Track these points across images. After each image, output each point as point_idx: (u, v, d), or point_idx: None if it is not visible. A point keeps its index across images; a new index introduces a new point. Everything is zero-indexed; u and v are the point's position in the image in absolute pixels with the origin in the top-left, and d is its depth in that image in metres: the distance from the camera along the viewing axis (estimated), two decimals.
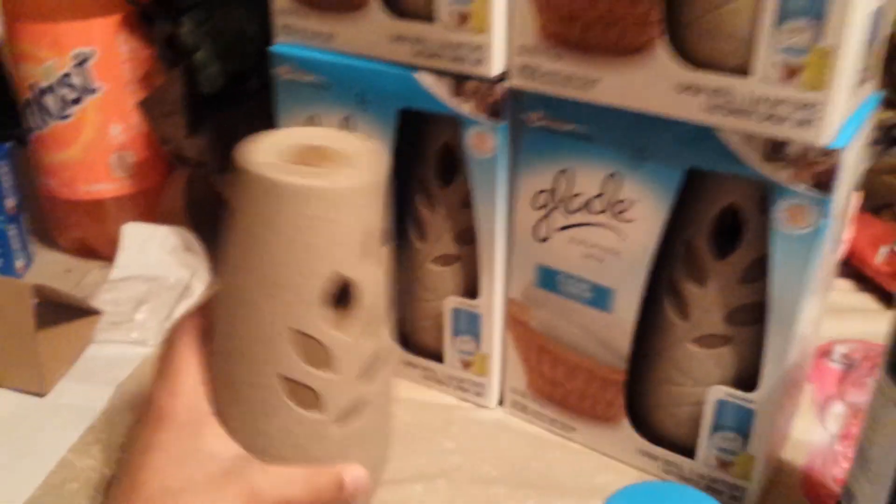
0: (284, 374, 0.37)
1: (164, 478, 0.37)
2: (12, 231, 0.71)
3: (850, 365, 0.59)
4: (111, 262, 0.72)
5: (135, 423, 0.54)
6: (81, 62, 0.66)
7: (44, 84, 0.66)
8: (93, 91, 0.67)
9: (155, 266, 0.70)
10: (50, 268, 0.74)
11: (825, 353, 0.60)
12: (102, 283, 0.70)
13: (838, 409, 0.55)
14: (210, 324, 0.40)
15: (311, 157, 0.37)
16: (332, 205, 0.35)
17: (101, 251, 0.74)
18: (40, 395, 0.57)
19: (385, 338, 0.41)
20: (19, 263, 0.72)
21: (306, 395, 0.38)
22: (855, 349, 0.60)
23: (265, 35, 0.54)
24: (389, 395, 0.43)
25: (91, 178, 0.70)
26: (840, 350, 0.60)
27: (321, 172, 0.36)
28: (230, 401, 0.39)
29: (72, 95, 0.67)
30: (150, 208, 0.73)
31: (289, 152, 0.37)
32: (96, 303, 0.65)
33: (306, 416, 0.38)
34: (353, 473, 0.39)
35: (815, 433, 0.53)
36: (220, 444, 0.38)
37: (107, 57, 0.66)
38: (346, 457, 0.40)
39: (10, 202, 0.71)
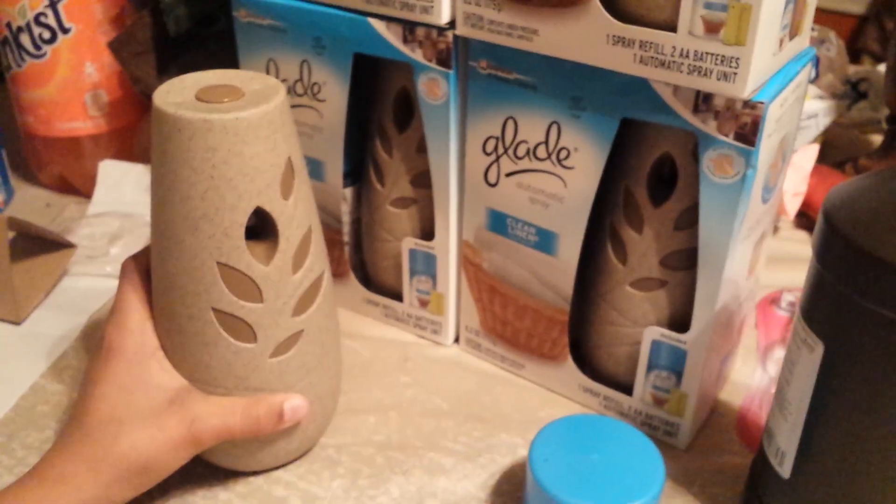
0: (216, 306, 0.40)
1: (112, 407, 0.39)
2: None
3: (795, 312, 0.61)
4: (89, 198, 0.74)
5: None
6: (54, 2, 0.67)
7: (19, 23, 0.67)
8: (66, 30, 0.68)
9: (130, 203, 0.72)
10: (30, 202, 0.76)
11: (773, 300, 0.62)
12: (80, 217, 0.72)
13: (780, 354, 0.57)
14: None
15: (220, 95, 0.38)
16: (234, 136, 0.37)
17: (79, 187, 0.76)
18: (15, 322, 0.60)
19: (319, 270, 0.43)
20: (0, 197, 0.74)
21: (240, 327, 0.40)
22: (805, 279, 0.62)
23: None
24: (332, 326, 0.45)
25: (67, 116, 0.72)
26: (788, 298, 0.62)
27: (224, 107, 0.37)
28: (172, 333, 0.41)
29: (46, 34, 0.68)
30: (126, 146, 0.75)
31: (200, 92, 0.39)
32: (73, 237, 0.67)
33: (242, 347, 0.40)
34: (293, 403, 0.42)
35: (755, 376, 0.56)
36: (165, 376, 0.41)
37: None
38: (286, 387, 0.42)
39: None
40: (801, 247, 0.70)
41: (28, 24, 0.67)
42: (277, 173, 0.39)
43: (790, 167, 0.67)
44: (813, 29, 0.76)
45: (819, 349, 0.37)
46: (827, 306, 0.37)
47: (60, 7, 0.67)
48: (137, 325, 0.41)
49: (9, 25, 0.68)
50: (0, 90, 0.74)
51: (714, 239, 0.43)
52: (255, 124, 0.37)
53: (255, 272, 0.40)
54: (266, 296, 0.40)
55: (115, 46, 0.65)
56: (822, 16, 0.76)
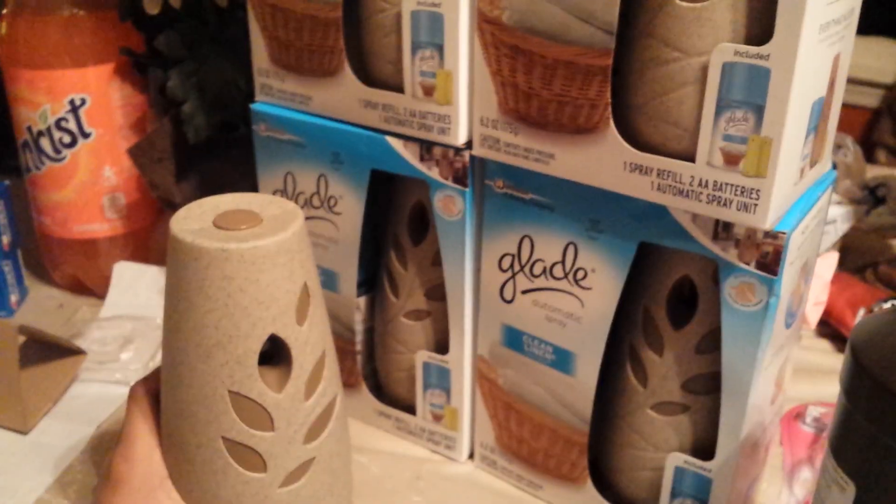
0: (226, 435, 0.39)
1: None
2: (7, 266, 0.73)
3: (821, 429, 0.59)
4: (103, 299, 0.74)
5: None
6: (76, 108, 0.68)
7: (39, 127, 0.68)
8: (86, 135, 0.69)
9: (143, 306, 0.72)
10: (44, 302, 0.76)
11: (798, 415, 0.61)
12: (92, 319, 0.72)
13: (806, 474, 0.55)
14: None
15: (237, 221, 0.38)
16: (251, 265, 0.37)
17: (93, 288, 0.75)
18: (23, 432, 0.59)
19: (332, 394, 0.42)
20: (13, 298, 0.74)
21: (250, 457, 0.39)
22: (827, 413, 0.60)
23: (253, 87, 0.56)
24: (343, 451, 0.44)
25: (84, 219, 0.72)
26: (813, 413, 0.60)
27: (241, 235, 0.37)
28: (181, 462, 0.40)
29: (66, 139, 0.69)
30: (141, 249, 0.75)
31: (217, 218, 0.39)
32: (85, 340, 0.67)
33: (252, 477, 0.39)
34: None
35: (782, 499, 0.54)
36: None
37: (100, 103, 0.68)
38: None
39: (6, 239, 0.72)
40: (824, 357, 0.69)
41: (49, 129, 0.68)
42: (293, 299, 0.38)
43: None
44: None
45: (850, 490, 0.36)
46: (857, 445, 0.36)
47: (82, 112, 0.68)
48: (145, 455, 0.40)
49: (29, 129, 0.69)
50: (17, 187, 0.75)
51: (737, 366, 0.42)
52: (273, 252, 0.37)
53: (266, 400, 0.39)
54: (277, 424, 0.39)
55: (135, 153, 0.66)
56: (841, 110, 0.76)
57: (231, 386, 0.38)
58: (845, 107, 0.46)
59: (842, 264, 0.75)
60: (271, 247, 0.37)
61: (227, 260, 0.36)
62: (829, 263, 0.69)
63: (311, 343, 0.40)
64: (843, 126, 0.81)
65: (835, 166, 0.79)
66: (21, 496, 0.53)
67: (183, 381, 0.39)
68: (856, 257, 0.80)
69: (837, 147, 0.80)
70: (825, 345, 0.71)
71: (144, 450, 0.40)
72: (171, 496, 0.40)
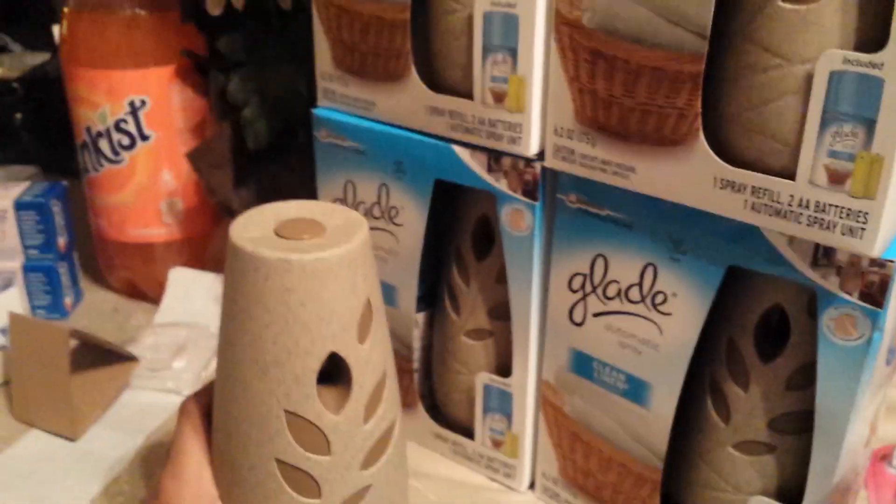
0: (280, 457, 0.36)
1: None
2: (63, 268, 0.72)
3: None
4: (157, 304, 0.73)
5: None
6: (136, 109, 0.66)
7: (98, 128, 0.67)
8: (146, 138, 0.68)
9: (199, 313, 0.70)
10: (98, 306, 0.75)
11: (884, 456, 0.56)
12: (146, 325, 0.70)
13: None
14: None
15: (300, 231, 0.36)
16: (313, 278, 0.34)
17: (148, 293, 0.74)
18: (72, 439, 0.58)
19: (392, 418, 0.39)
20: (67, 300, 0.73)
21: (304, 481, 0.37)
22: None
23: (314, 92, 0.54)
24: (401, 479, 0.41)
25: (141, 223, 0.71)
26: None
27: (304, 246, 0.35)
28: (231, 483, 0.38)
29: (125, 141, 0.68)
30: (198, 255, 0.73)
31: (279, 226, 0.36)
32: (138, 347, 0.65)
33: (306, 502, 0.37)
34: None
35: None
36: None
37: (160, 105, 0.67)
38: None
39: (62, 240, 0.72)
40: None
41: (108, 130, 0.67)
42: (356, 315, 0.36)
43: None
44: None
45: None
46: None
47: (142, 115, 0.67)
48: (194, 475, 0.38)
49: (88, 130, 0.68)
50: (75, 190, 0.74)
51: (834, 405, 0.38)
52: (336, 265, 0.35)
53: (324, 422, 0.36)
54: (334, 448, 0.37)
55: (194, 157, 0.64)
56: None
57: (287, 405, 0.36)
58: None
59: None
60: (334, 259, 0.34)
61: (288, 272, 0.34)
62: None
63: (372, 363, 0.37)
64: None
65: None
66: None
67: (237, 397, 0.36)
68: None
69: None
70: None
71: (194, 469, 0.38)
72: None
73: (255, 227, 0.36)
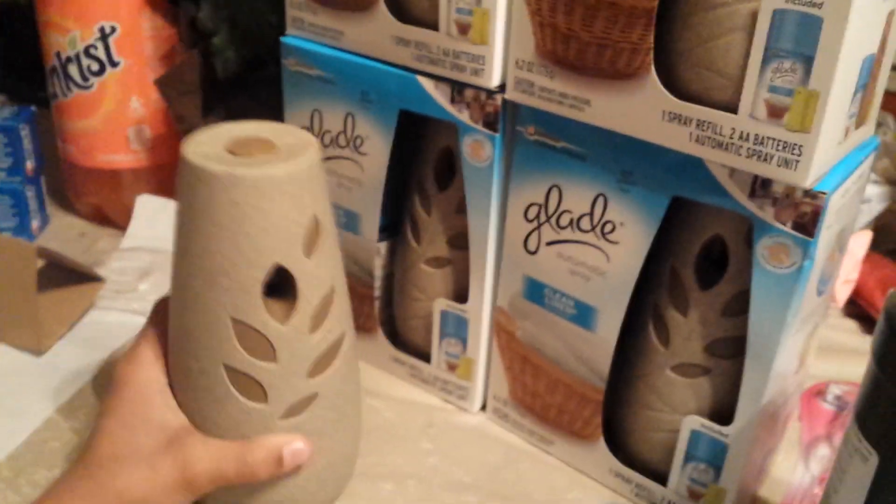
0: (229, 363, 0.38)
1: (113, 443, 0.38)
2: (30, 192, 0.73)
3: (842, 407, 0.58)
4: (124, 231, 0.74)
5: None
6: (105, 35, 0.67)
7: (68, 53, 0.68)
8: (115, 64, 0.68)
9: (164, 238, 0.71)
10: (65, 230, 0.76)
11: (819, 392, 0.59)
12: (113, 250, 0.71)
13: (824, 451, 0.54)
14: None
15: (252, 148, 0.37)
16: (259, 193, 0.36)
17: (115, 219, 0.75)
18: (37, 353, 0.59)
19: (340, 332, 0.41)
20: (35, 224, 0.74)
21: (252, 387, 0.38)
22: (850, 391, 0.59)
23: (285, 23, 0.55)
24: (350, 391, 0.43)
25: (109, 149, 0.71)
26: (834, 391, 0.59)
27: (252, 162, 0.36)
28: (185, 387, 0.40)
29: (94, 66, 0.68)
30: (165, 182, 0.74)
31: (231, 144, 0.38)
32: (104, 270, 0.67)
33: (253, 406, 0.39)
34: (293, 447, 0.39)
35: (797, 473, 0.53)
36: (168, 413, 0.39)
37: (130, 32, 0.67)
38: None
39: (30, 164, 0.72)
40: (850, 336, 0.67)
41: (77, 56, 0.67)
42: (300, 231, 0.37)
43: None
44: None
45: (873, 460, 0.35)
46: (884, 414, 0.34)
47: (111, 41, 0.67)
48: (148, 361, 0.40)
49: (58, 55, 0.68)
50: (44, 117, 0.74)
51: (764, 330, 0.41)
52: (281, 181, 0.36)
53: (270, 331, 0.38)
54: (280, 356, 0.38)
55: (162, 84, 0.65)
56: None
57: (234, 313, 0.37)
58: (889, 93, 0.44)
59: (875, 244, 0.73)
60: (281, 175, 0.36)
61: (234, 185, 0.35)
62: (861, 242, 0.68)
63: (318, 277, 0.39)
64: (885, 107, 0.79)
65: None
66: (31, 416, 0.53)
67: (188, 305, 0.38)
68: (889, 239, 0.78)
69: (878, 125, 0.78)
70: (852, 324, 0.69)
71: (149, 356, 0.40)
72: (169, 403, 0.40)
73: (207, 143, 0.38)
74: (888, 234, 0.78)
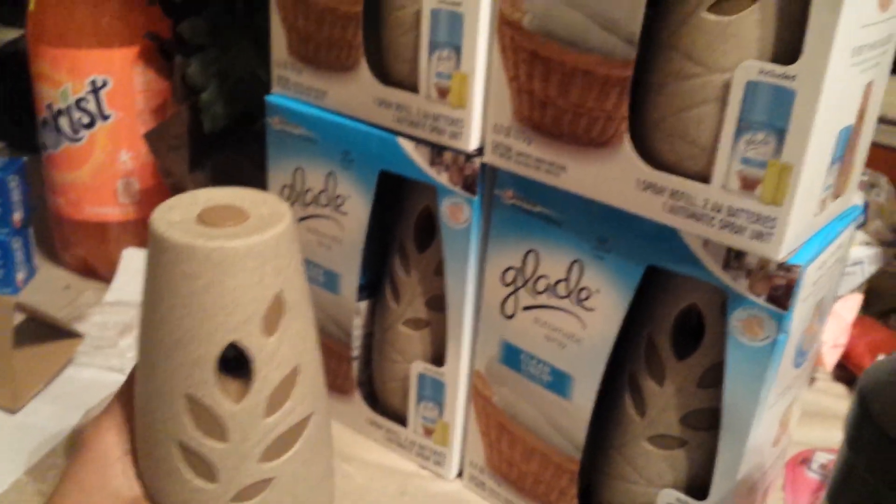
0: (179, 438, 0.37)
1: None
2: (16, 244, 0.72)
3: (827, 476, 0.57)
4: (109, 284, 0.73)
5: None
6: (97, 89, 0.67)
7: (59, 106, 0.68)
8: (105, 117, 0.68)
9: None
10: (50, 283, 0.75)
11: (804, 461, 0.58)
12: (96, 303, 0.71)
13: None
14: None
15: (222, 218, 0.36)
16: (215, 266, 0.34)
17: (101, 272, 0.75)
18: (11, 411, 0.58)
19: (304, 413, 0.39)
20: (20, 275, 0.73)
21: (201, 465, 0.37)
22: (835, 460, 0.57)
23: None
24: (312, 476, 0.41)
25: (97, 201, 0.71)
26: (820, 459, 0.58)
27: (216, 234, 0.35)
28: (142, 451, 0.39)
29: (85, 120, 0.68)
30: None
31: (203, 212, 0.36)
32: (86, 324, 0.66)
33: (202, 486, 0.37)
34: None
35: None
36: (124, 483, 0.39)
37: (122, 86, 0.68)
38: None
39: (17, 216, 0.72)
40: (837, 402, 0.66)
41: (69, 108, 0.68)
42: (261, 308, 0.36)
43: (830, 317, 0.64)
44: (864, 173, 0.73)
45: None
46: (855, 496, 0.33)
47: (103, 94, 0.68)
48: (115, 427, 0.39)
49: (49, 107, 0.69)
50: (33, 167, 0.75)
51: (739, 403, 0.40)
52: (242, 255, 0.35)
53: (222, 410, 0.36)
54: (231, 437, 0.37)
55: (150, 137, 0.65)
56: (874, 150, 0.73)
57: (188, 389, 0.36)
58: (881, 148, 0.44)
59: (866, 307, 0.72)
60: (240, 249, 0.34)
61: (191, 257, 0.34)
62: (851, 305, 0.67)
63: (279, 357, 0.37)
64: (878, 166, 0.78)
65: (866, 206, 0.77)
66: (0, 476, 0.52)
67: (147, 375, 0.37)
68: (881, 301, 0.77)
69: (871, 186, 0.77)
70: (840, 389, 0.68)
71: (117, 422, 0.39)
72: (127, 472, 0.39)
73: (179, 210, 0.37)
74: (880, 296, 0.78)
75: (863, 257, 0.72)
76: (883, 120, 0.42)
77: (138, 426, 0.39)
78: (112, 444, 0.39)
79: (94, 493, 0.38)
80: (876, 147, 0.43)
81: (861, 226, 0.76)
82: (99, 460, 0.39)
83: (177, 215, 0.36)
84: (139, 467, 0.39)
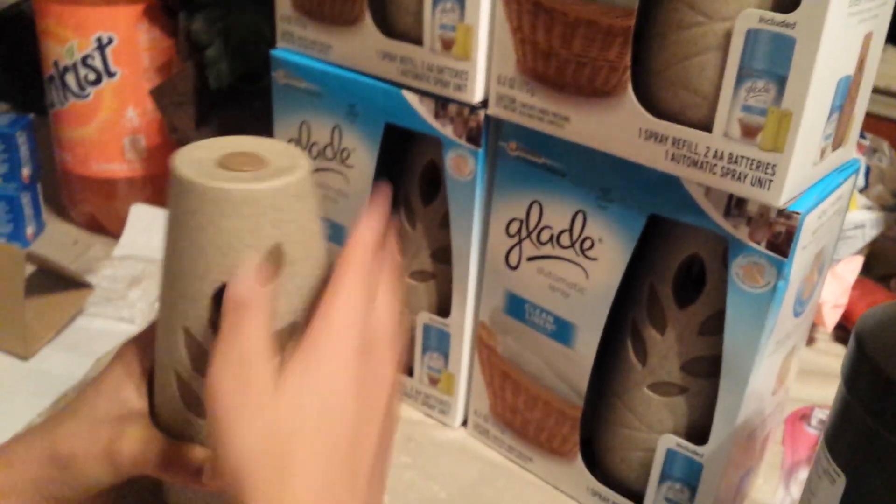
0: (177, 370, 0.38)
1: (81, 402, 0.40)
2: (25, 199, 0.73)
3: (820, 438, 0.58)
4: (117, 239, 0.74)
5: None
6: (102, 46, 0.67)
7: (66, 63, 0.68)
8: (111, 74, 0.69)
9: (156, 248, 0.71)
10: (59, 237, 0.76)
11: (803, 416, 0.59)
12: (105, 258, 0.72)
13: (805, 475, 0.54)
14: None
15: (241, 163, 0.36)
16: (213, 206, 0.35)
17: (109, 227, 0.76)
18: (24, 358, 0.59)
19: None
20: (30, 230, 0.74)
21: (193, 397, 0.38)
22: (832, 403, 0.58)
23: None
24: None
25: (104, 158, 0.72)
26: (819, 416, 0.59)
27: (227, 176, 0.35)
28: (154, 373, 0.41)
29: (91, 76, 0.69)
30: (159, 192, 0.75)
31: (224, 156, 0.37)
32: (95, 277, 0.67)
33: (191, 417, 0.39)
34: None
35: (777, 497, 0.52)
36: (133, 394, 0.40)
37: (127, 43, 0.68)
38: None
39: (26, 171, 0.73)
40: (837, 361, 0.66)
41: (75, 65, 0.68)
42: (254, 255, 0.36)
43: (832, 277, 0.64)
44: (865, 137, 0.73)
45: (841, 482, 0.35)
46: (852, 437, 0.34)
47: (108, 51, 0.68)
48: (140, 347, 0.41)
49: (56, 64, 0.69)
50: (41, 125, 0.75)
51: (739, 350, 0.41)
52: (238, 200, 0.35)
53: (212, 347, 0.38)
54: None
55: (157, 94, 0.65)
56: (876, 123, 0.73)
57: (185, 322, 0.37)
58: (884, 120, 0.44)
59: (866, 270, 0.73)
60: (234, 193, 0.35)
61: (191, 193, 0.35)
62: (852, 267, 0.67)
63: (273, 309, 0.37)
64: (880, 134, 0.79)
65: (868, 171, 0.77)
66: (13, 419, 0.53)
67: (161, 304, 0.38)
68: (881, 265, 0.78)
69: (873, 151, 0.78)
70: (840, 349, 0.69)
71: (143, 344, 0.41)
72: (140, 388, 0.41)
73: (206, 149, 0.37)
74: (881, 259, 0.78)
75: (864, 220, 0.73)
76: (886, 92, 0.42)
77: (156, 350, 0.40)
78: (134, 361, 0.41)
79: (106, 395, 0.40)
80: (879, 119, 0.43)
81: (863, 190, 0.76)
82: (121, 370, 0.41)
83: (201, 153, 0.37)
84: (151, 387, 0.41)
